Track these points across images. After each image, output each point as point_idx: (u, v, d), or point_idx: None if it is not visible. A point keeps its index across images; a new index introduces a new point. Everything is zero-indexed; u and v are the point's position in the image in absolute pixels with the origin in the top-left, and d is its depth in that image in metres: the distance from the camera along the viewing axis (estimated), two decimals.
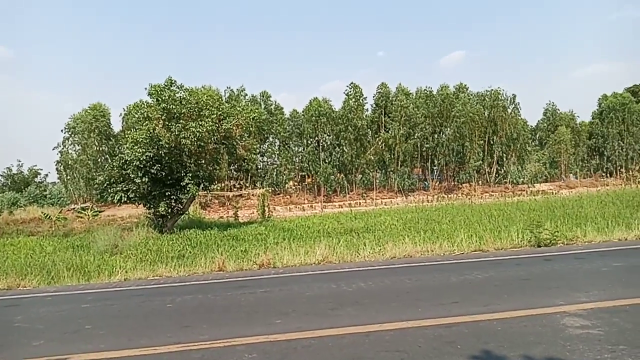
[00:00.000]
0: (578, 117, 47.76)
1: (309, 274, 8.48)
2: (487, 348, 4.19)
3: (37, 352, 4.85)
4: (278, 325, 5.29)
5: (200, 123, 18.81)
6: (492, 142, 41.76)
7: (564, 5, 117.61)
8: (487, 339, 4.40)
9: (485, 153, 41.65)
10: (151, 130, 18.77)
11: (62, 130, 35.38)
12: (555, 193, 33.78)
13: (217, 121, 19.73)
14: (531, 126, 48.51)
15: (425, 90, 42.92)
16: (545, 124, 47.91)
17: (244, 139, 21.89)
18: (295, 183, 41.20)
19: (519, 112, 42.94)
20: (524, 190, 38.02)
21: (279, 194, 38.99)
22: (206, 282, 8.34)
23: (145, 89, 19.36)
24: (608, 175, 45.05)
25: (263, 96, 40.95)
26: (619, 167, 45.13)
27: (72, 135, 34.95)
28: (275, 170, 39.64)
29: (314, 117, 38.86)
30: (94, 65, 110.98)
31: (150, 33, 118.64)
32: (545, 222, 11.79)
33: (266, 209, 26.52)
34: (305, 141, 39.93)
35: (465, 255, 9.56)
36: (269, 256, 9.85)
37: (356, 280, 7.46)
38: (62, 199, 36.37)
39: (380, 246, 10.88)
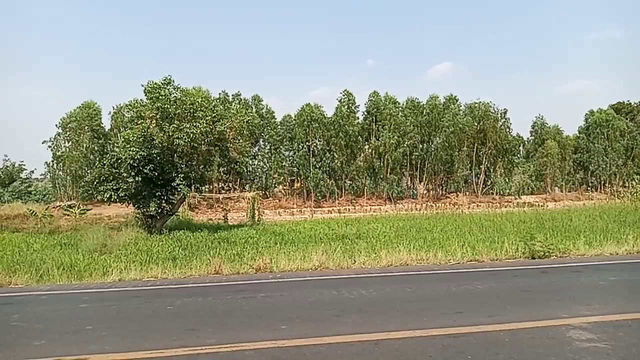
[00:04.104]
0: (563, 131, 48.51)
1: (307, 279, 8.45)
2: None
3: (40, 352, 4.76)
4: (284, 330, 5.26)
5: (195, 124, 18.70)
6: (479, 154, 42.21)
7: (550, 22, 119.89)
8: (496, 350, 4.43)
9: (473, 164, 42.08)
10: (145, 130, 18.60)
11: (56, 125, 34.79)
12: (542, 205, 34.24)
13: (211, 123, 19.63)
14: (517, 137, 48.97)
15: (413, 100, 43.21)
16: (533, 137, 48.55)
17: (237, 141, 21.84)
18: (285, 187, 41.08)
19: (509, 126, 43.57)
20: (510, 202, 38.45)
21: (268, 197, 38.84)
22: (204, 284, 8.26)
23: (142, 85, 19.19)
24: (592, 189, 45.80)
25: (255, 100, 40.89)
26: (603, 182, 45.94)
27: (64, 132, 34.40)
28: (265, 173, 39.51)
29: (306, 122, 38.82)
30: (84, 62, 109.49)
31: (138, 33, 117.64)
32: (536, 234, 11.90)
33: (256, 212, 26.40)
34: (296, 146, 39.86)
35: (461, 265, 9.62)
36: (265, 260, 9.79)
37: (356, 288, 7.46)
38: (47, 195, 35.66)
39: (375, 253, 10.90)
